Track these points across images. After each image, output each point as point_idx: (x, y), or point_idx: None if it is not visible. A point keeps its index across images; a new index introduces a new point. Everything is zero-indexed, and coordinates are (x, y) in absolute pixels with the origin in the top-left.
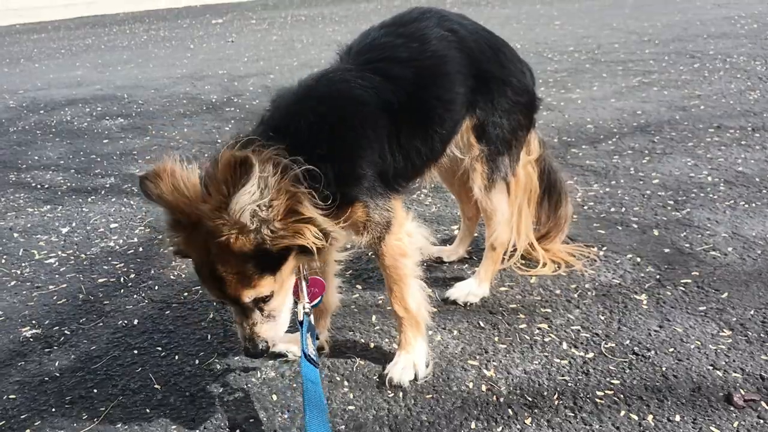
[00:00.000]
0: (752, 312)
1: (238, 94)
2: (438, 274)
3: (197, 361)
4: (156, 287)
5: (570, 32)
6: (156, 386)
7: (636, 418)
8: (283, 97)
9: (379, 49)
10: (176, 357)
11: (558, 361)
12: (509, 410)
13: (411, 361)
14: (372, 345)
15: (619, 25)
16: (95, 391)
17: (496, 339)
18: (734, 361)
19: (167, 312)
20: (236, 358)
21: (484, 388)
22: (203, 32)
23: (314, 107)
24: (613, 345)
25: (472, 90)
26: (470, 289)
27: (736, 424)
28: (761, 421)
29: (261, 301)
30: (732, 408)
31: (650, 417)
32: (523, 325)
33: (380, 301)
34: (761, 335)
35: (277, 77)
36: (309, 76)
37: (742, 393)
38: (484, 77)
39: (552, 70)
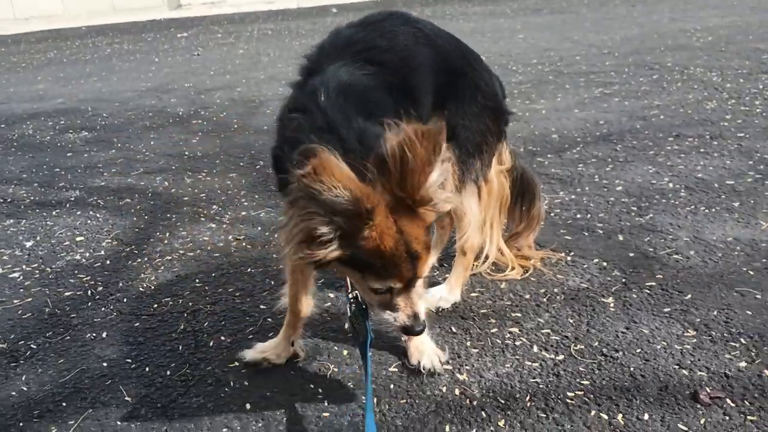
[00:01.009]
0: (715, 312)
1: (205, 107)
2: None
3: (168, 372)
4: (125, 299)
5: (533, 45)
6: (126, 398)
7: (606, 417)
8: (310, 100)
9: (360, 42)
10: (147, 369)
11: (529, 363)
12: (482, 413)
13: (433, 349)
14: (345, 352)
15: (580, 39)
16: (64, 404)
17: (469, 344)
18: (699, 360)
19: (137, 324)
20: (208, 368)
21: (457, 391)
22: (168, 46)
23: (352, 102)
24: (583, 347)
25: (441, 86)
26: (442, 295)
27: (702, 420)
28: (727, 417)
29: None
30: (698, 405)
31: (620, 416)
32: (495, 330)
33: None
34: (724, 335)
35: (243, 90)
36: (319, 76)
37: (708, 391)
38: (453, 74)
39: (516, 82)
